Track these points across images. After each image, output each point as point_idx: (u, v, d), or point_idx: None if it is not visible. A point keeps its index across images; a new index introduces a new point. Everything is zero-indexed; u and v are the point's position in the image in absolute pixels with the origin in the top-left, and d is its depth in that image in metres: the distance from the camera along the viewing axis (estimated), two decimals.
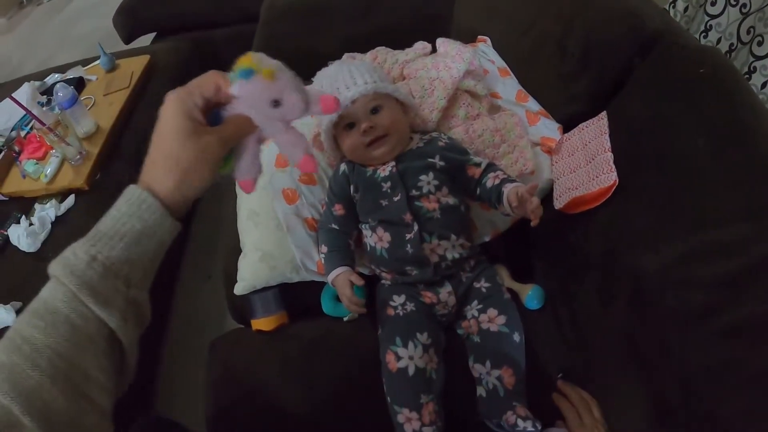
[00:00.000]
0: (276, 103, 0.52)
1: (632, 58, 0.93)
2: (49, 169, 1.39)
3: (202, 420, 0.95)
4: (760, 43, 0.99)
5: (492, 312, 0.90)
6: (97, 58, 1.80)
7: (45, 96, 1.70)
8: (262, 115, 0.53)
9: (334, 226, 0.98)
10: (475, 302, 0.92)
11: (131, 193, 0.49)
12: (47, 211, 1.34)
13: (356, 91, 0.91)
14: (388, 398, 0.85)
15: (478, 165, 0.96)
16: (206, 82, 0.51)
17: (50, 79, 1.81)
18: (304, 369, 0.95)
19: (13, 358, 0.42)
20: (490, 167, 0.95)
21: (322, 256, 0.98)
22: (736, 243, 0.66)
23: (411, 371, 0.83)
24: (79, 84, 1.72)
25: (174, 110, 0.48)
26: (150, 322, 0.52)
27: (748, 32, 0.99)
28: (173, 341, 1.47)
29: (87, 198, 1.36)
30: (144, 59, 1.79)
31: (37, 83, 1.78)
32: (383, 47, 1.21)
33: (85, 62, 1.88)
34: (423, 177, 0.93)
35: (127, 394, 0.51)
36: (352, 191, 0.97)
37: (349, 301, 0.92)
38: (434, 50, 1.19)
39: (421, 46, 1.20)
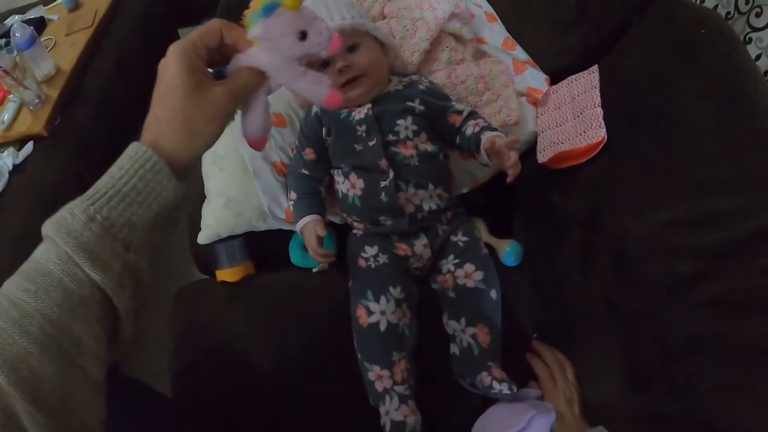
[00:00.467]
0: (303, 36, 0.47)
1: (631, 13, 0.90)
2: (6, 116, 1.34)
3: (167, 375, 0.92)
4: (758, 15, 0.95)
5: (469, 267, 0.87)
6: None
7: (3, 39, 1.61)
8: (286, 55, 0.48)
9: (304, 171, 0.93)
10: (452, 256, 0.89)
11: (134, 150, 0.45)
12: (4, 160, 1.29)
13: (333, 26, 0.85)
14: (359, 354, 0.82)
15: (459, 113, 0.91)
16: (210, 32, 0.47)
17: (10, 21, 1.72)
18: (272, 322, 0.92)
19: (0, 324, 0.39)
20: (472, 115, 0.91)
21: (291, 203, 0.93)
22: (726, 214, 0.65)
23: (383, 327, 0.81)
24: (40, 25, 1.65)
25: (178, 63, 0.45)
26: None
27: (747, 2, 0.96)
28: None
29: (46, 144, 1.30)
30: None
31: None
32: None
33: (46, 1, 1.79)
34: (400, 121, 0.88)
35: None
36: (324, 134, 0.92)
37: (314, 252, 0.88)
38: None
39: None
